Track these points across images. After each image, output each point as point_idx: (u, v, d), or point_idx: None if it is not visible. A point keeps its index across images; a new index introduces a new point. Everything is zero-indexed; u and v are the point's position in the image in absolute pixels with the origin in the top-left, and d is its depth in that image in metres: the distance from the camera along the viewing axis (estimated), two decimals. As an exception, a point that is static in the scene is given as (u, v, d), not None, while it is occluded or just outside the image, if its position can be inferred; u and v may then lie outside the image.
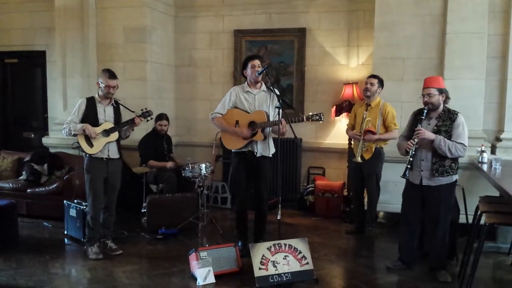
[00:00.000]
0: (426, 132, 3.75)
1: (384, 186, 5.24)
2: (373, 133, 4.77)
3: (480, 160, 4.56)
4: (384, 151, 4.92)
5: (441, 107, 3.85)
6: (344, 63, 6.44)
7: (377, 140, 4.79)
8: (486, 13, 4.99)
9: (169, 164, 5.65)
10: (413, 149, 3.77)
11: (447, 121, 3.78)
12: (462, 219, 4.40)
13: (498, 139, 5.15)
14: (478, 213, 3.66)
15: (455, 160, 3.80)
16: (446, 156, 3.73)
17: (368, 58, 6.24)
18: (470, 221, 4.18)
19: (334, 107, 6.26)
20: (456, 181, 3.88)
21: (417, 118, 3.93)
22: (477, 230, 3.66)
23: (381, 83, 4.86)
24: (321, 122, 4.22)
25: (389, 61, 5.33)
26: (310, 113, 4.19)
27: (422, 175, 3.85)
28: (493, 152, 5.08)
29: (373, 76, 4.89)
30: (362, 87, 4.96)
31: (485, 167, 4.38)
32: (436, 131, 3.78)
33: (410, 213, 4.04)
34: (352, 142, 5.22)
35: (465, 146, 3.72)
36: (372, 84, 4.81)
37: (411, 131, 3.91)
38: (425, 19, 5.20)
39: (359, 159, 4.81)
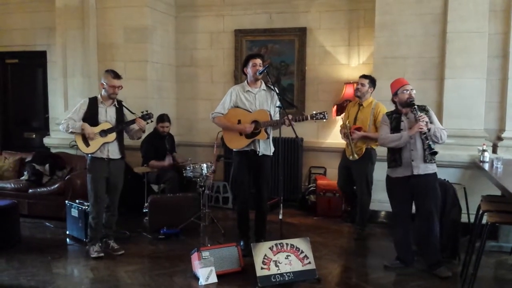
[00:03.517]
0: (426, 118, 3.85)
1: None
2: (361, 130, 4.78)
3: (481, 159, 4.56)
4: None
5: None
6: (345, 62, 6.44)
7: (363, 137, 4.75)
8: (487, 12, 5.00)
9: (166, 162, 5.64)
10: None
11: (422, 112, 3.92)
12: (464, 218, 4.39)
13: (500, 138, 5.15)
14: (480, 213, 3.66)
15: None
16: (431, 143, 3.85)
17: (369, 57, 6.24)
18: (472, 220, 4.18)
19: (335, 106, 6.26)
20: (436, 172, 4.00)
21: (393, 116, 4.01)
22: (479, 229, 3.65)
23: (372, 83, 4.87)
24: (325, 120, 4.24)
25: (390, 60, 5.34)
26: (314, 112, 4.21)
27: (413, 165, 3.89)
28: (494, 151, 5.08)
29: (364, 77, 4.90)
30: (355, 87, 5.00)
31: (486, 166, 4.38)
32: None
33: (402, 209, 4.08)
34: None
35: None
36: (362, 85, 4.83)
37: (395, 129, 3.96)
38: (426, 18, 5.20)
39: (356, 157, 4.79)
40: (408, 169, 3.93)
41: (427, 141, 3.79)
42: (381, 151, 4.97)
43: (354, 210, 5.29)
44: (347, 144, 4.92)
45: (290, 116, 4.11)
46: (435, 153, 3.81)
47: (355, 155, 4.80)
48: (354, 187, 5.11)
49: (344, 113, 5.30)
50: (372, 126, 4.79)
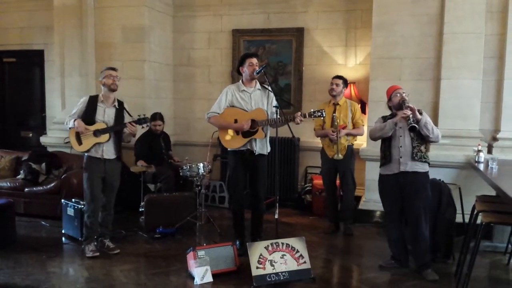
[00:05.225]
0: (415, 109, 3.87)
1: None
2: (345, 128, 4.97)
3: (476, 159, 4.57)
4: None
5: None
6: (342, 62, 6.46)
7: (347, 134, 4.94)
8: (483, 13, 5.01)
9: (154, 169, 5.56)
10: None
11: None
12: (458, 218, 4.41)
13: (495, 139, 5.16)
14: (475, 213, 3.67)
15: (427, 148, 4.02)
16: (423, 141, 3.90)
17: (365, 57, 6.25)
18: (467, 220, 4.20)
19: (332, 106, 6.27)
20: (428, 172, 3.99)
21: (387, 117, 4.08)
22: (474, 229, 3.67)
23: (345, 83, 5.07)
24: (322, 118, 4.30)
25: (386, 60, 5.35)
26: (312, 110, 4.23)
27: (400, 162, 3.92)
28: (489, 151, 5.09)
29: (337, 77, 5.07)
30: (328, 88, 5.08)
31: (481, 167, 4.39)
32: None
33: (394, 208, 4.08)
34: (321, 141, 5.20)
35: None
36: (337, 85, 5.00)
37: None
38: (423, 19, 5.21)
39: (340, 156, 4.90)
40: (396, 166, 3.95)
41: (409, 121, 3.77)
42: (373, 151, 5.03)
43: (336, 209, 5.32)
44: (330, 145, 4.99)
45: (298, 113, 4.14)
46: (414, 127, 3.77)
47: (340, 155, 4.90)
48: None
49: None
50: (351, 123, 4.97)
